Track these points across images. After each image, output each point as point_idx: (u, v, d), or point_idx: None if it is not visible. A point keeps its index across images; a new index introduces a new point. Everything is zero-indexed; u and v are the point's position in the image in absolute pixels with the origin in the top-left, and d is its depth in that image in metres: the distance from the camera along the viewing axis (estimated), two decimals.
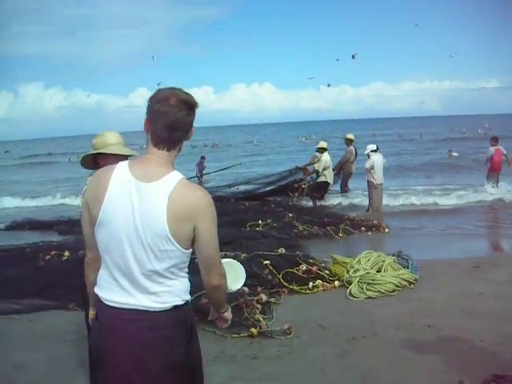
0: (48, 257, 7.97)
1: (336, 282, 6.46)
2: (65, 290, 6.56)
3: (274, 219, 10.47)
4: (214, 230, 2.23)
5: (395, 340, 4.78)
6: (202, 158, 20.73)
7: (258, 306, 5.58)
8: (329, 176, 13.71)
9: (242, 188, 14.62)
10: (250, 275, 6.18)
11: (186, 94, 2.24)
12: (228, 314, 2.63)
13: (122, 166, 2.21)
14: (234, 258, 6.59)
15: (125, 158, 3.79)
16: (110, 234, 2.17)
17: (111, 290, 2.23)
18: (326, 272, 6.71)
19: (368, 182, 12.54)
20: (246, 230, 9.61)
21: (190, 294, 2.30)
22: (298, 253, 7.42)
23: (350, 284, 6.24)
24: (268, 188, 14.04)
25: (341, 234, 9.62)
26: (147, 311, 2.19)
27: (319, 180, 13.67)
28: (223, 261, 6.07)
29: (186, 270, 2.29)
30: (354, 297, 6.03)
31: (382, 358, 4.44)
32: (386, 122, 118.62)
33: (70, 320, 5.69)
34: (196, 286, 5.65)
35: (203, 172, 20.05)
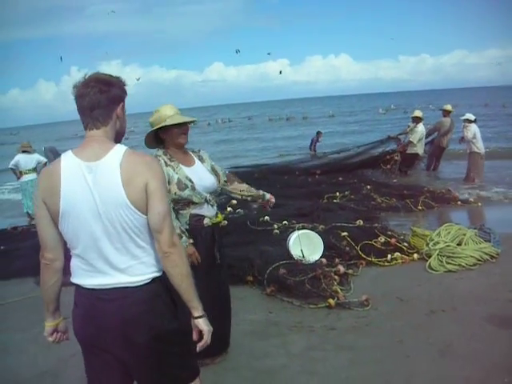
0: None
1: (415, 255, 6.40)
2: None
3: (352, 191, 10.38)
4: (164, 190, 2.28)
5: (475, 314, 4.71)
6: (318, 133, 20.29)
7: (336, 277, 5.65)
8: (420, 148, 13.05)
9: (328, 159, 14.45)
10: (327, 247, 6.31)
11: (108, 75, 2.32)
12: (204, 323, 2.39)
13: (66, 155, 2.27)
14: (311, 229, 6.68)
15: (186, 127, 3.90)
16: (76, 220, 2.22)
17: (88, 276, 2.29)
18: (405, 244, 6.66)
19: (470, 152, 11.95)
20: (323, 202, 9.59)
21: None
22: (376, 225, 7.38)
23: (430, 257, 6.16)
24: (358, 159, 13.53)
25: (420, 207, 9.36)
26: (127, 287, 2.26)
27: (410, 151, 12.97)
28: (301, 232, 6.23)
29: (152, 240, 2.30)
30: (433, 270, 5.95)
31: (461, 333, 4.40)
32: (468, 92, 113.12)
33: None
34: (272, 256, 5.86)
35: (316, 146, 19.83)
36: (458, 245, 6.29)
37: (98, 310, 2.27)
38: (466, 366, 3.86)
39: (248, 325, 4.84)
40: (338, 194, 10.15)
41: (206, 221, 3.91)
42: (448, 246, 6.15)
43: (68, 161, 2.23)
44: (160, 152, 3.86)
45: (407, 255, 6.42)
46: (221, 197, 11.37)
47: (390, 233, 7.01)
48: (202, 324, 2.38)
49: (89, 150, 2.24)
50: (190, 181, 3.78)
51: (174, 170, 3.77)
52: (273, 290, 5.55)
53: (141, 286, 2.28)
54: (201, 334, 2.40)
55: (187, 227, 3.81)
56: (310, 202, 9.52)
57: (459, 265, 5.95)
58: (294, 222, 7.73)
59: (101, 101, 2.24)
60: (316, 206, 8.82)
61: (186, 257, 2.40)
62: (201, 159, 4.04)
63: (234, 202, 9.91)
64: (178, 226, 3.68)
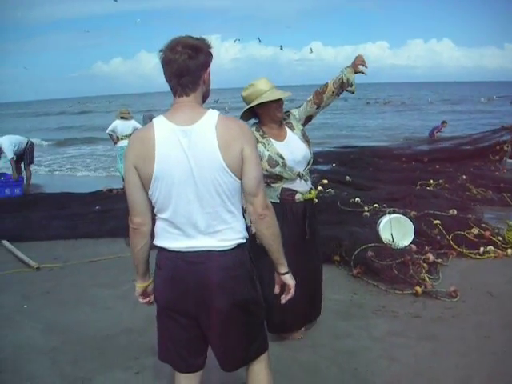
0: None
1: (509, 250, 6.14)
2: None
3: (446, 180, 10.06)
4: (257, 156, 2.35)
5: None
6: (443, 122, 18.68)
7: (425, 265, 5.56)
8: None
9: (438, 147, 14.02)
10: (418, 234, 6.22)
11: (194, 39, 2.28)
12: (290, 277, 2.58)
13: (159, 120, 2.29)
14: (403, 214, 6.59)
15: (282, 101, 3.84)
16: (170, 184, 2.24)
17: (174, 239, 2.33)
18: (499, 238, 6.42)
19: None
20: (416, 189, 9.38)
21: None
22: (470, 216, 7.17)
23: None
24: (466, 147, 13.11)
25: None
26: (213, 251, 2.30)
27: None
28: (393, 216, 6.14)
29: (240, 206, 2.38)
30: None
31: None
32: None
33: None
34: (361, 238, 5.83)
35: (436, 135, 18.11)
36: None
37: (183, 272, 2.32)
38: None
39: (332, 304, 4.88)
40: (431, 181, 9.90)
41: (298, 196, 3.90)
42: None
43: (161, 126, 2.26)
44: (253, 128, 3.84)
45: (501, 250, 6.21)
46: (312, 175, 11.48)
47: (484, 225, 6.77)
48: (289, 279, 2.55)
49: (181, 115, 2.26)
50: (281, 157, 3.75)
51: (265, 147, 3.77)
52: (359, 271, 5.56)
53: (226, 250, 2.32)
54: (284, 288, 2.59)
55: (278, 201, 3.80)
56: (403, 187, 9.33)
57: None
58: (384, 205, 7.63)
59: (190, 67, 2.22)
60: (409, 192, 8.65)
61: (276, 218, 2.45)
62: (291, 127, 3.96)
63: (325, 181, 9.92)
64: None
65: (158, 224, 2.38)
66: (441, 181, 9.95)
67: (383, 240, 5.84)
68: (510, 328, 4.38)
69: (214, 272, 2.30)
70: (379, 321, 4.59)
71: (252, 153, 2.28)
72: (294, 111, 4.05)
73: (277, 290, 2.61)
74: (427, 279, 5.23)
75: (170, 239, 2.35)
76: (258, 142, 3.68)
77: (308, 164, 3.97)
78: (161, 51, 2.26)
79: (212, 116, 2.26)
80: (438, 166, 11.71)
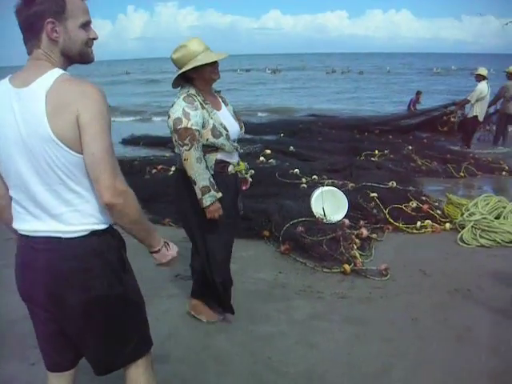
0: (154, 171, 8.08)
1: (447, 225, 5.89)
2: (164, 204, 6.60)
3: (392, 151, 9.86)
4: (102, 125, 1.83)
5: (504, 298, 4.22)
6: (418, 92, 17.52)
7: (357, 240, 5.24)
8: (479, 110, 11.08)
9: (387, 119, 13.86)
10: (353, 207, 5.87)
11: None
12: (164, 252, 2.14)
13: (4, 80, 1.93)
14: (341, 186, 6.25)
15: (217, 63, 3.42)
16: (7, 153, 1.91)
17: (22, 219, 1.98)
18: (438, 212, 6.16)
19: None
20: (359, 160, 9.12)
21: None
22: (410, 188, 6.88)
23: (463, 228, 5.66)
24: (415, 120, 13.00)
25: (462, 174, 8.76)
26: (59, 238, 1.91)
27: (469, 115, 11.33)
28: (326, 189, 5.80)
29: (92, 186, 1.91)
30: (464, 243, 5.45)
31: (484, 318, 3.94)
32: None
33: (161, 235, 5.69)
34: (292, 212, 5.46)
35: (416, 107, 16.77)
36: (496, 218, 5.75)
37: (32, 260, 1.97)
38: (485, 356, 3.43)
39: (253, 284, 4.53)
40: (376, 152, 9.65)
41: (230, 168, 3.55)
42: (484, 218, 5.60)
43: (1, 87, 1.91)
44: (193, 91, 3.39)
45: (439, 224, 5.93)
46: (255, 145, 11.11)
47: (424, 198, 6.50)
48: (160, 256, 2.14)
49: (22, 75, 1.89)
50: (225, 129, 3.41)
51: (209, 115, 3.36)
52: (287, 248, 5.19)
53: (74, 238, 1.92)
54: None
55: (212, 173, 3.43)
56: (345, 157, 9.05)
57: (494, 240, 5.42)
58: (324, 177, 7.31)
59: (25, 19, 1.87)
60: (349, 163, 8.34)
61: (135, 201, 1.95)
62: (224, 102, 3.66)
63: (268, 151, 9.57)
64: (208, 178, 3.31)
65: (12, 202, 2.05)
66: (386, 151, 9.74)
67: (315, 214, 5.47)
68: (440, 309, 4.09)
69: (58, 262, 1.92)
70: (302, 302, 4.22)
71: (91, 121, 1.80)
72: (228, 100, 3.76)
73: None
74: (358, 256, 4.89)
75: (18, 220, 2.01)
76: (202, 107, 3.34)
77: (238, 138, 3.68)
78: None
79: (49, 78, 1.83)
80: (391, 137, 11.67)
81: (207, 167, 3.38)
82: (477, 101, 10.95)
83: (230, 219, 3.60)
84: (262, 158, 9.01)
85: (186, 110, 3.26)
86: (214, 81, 3.48)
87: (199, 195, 3.30)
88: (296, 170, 7.52)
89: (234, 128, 3.54)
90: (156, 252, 2.11)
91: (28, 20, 1.86)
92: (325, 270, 4.78)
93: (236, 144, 3.56)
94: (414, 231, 5.81)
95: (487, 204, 5.88)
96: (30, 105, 1.81)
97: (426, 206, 6.12)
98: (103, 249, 1.97)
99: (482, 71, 11.06)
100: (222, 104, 3.61)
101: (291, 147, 10.00)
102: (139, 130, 14.49)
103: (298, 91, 33.99)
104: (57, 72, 1.85)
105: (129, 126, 16.67)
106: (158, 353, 2.64)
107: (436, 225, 5.90)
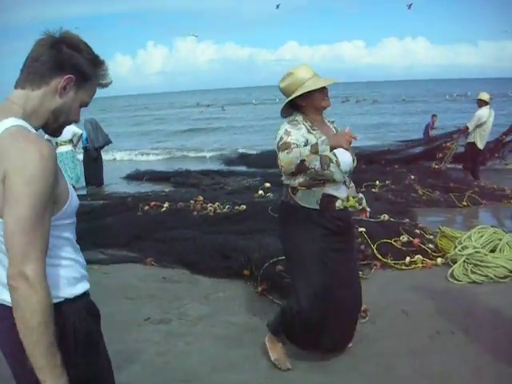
0: (147, 207, 7.94)
1: (439, 259, 5.57)
2: (150, 242, 6.46)
3: (394, 180, 9.63)
4: (27, 192, 1.51)
5: (489, 342, 3.88)
6: (433, 116, 16.50)
7: None
8: (478, 137, 10.25)
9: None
10: None
11: (69, 34, 1.72)
12: None
13: None
14: None
15: (326, 90, 3.36)
16: None
17: None
18: (430, 246, 5.82)
19: None
20: (358, 191, 8.85)
21: None
22: (405, 220, 6.60)
23: (455, 263, 5.31)
24: (421, 149, 12.81)
25: (465, 203, 8.43)
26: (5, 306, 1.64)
27: (467, 140, 10.58)
28: None
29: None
30: (455, 279, 5.11)
31: (467, 364, 3.59)
32: None
33: (141, 275, 5.52)
34: (273, 250, 5.21)
35: (430, 132, 15.65)
36: (491, 251, 5.42)
37: None
38: None
39: (224, 329, 4.27)
40: (377, 182, 9.41)
41: (339, 203, 3.42)
42: (477, 251, 5.25)
43: None
44: (300, 117, 3.34)
45: (430, 259, 5.62)
46: (255, 179, 10.94)
47: (418, 231, 6.19)
48: None
49: None
50: (335, 155, 3.27)
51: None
52: (264, 289, 4.93)
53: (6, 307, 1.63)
54: None
55: (317, 207, 3.34)
56: None
57: (486, 276, 5.08)
58: None
59: (42, 55, 1.68)
60: None
61: (44, 305, 1.52)
62: (336, 130, 3.55)
63: (268, 184, 9.41)
64: (308, 149, 3.08)
65: None
66: (387, 182, 9.51)
67: None
68: (418, 355, 3.76)
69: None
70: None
71: (16, 185, 1.51)
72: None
73: None
74: None
75: None
76: (308, 132, 3.28)
77: (350, 172, 3.53)
78: None
79: (1, 125, 1.59)
80: (396, 166, 11.45)
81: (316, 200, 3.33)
82: (476, 127, 10.23)
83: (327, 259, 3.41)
84: (260, 192, 8.85)
85: (287, 130, 3.20)
86: (324, 108, 3.41)
87: (316, 162, 3.10)
88: None
89: (345, 158, 3.37)
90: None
91: (41, 54, 1.68)
92: None
93: (347, 177, 3.45)
94: (403, 267, 5.50)
95: (481, 236, 5.53)
96: None
97: (416, 240, 5.81)
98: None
99: (483, 96, 10.54)
100: (334, 132, 3.47)
101: None
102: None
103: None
104: (13, 121, 1.62)
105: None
106: None
107: (427, 260, 5.58)
